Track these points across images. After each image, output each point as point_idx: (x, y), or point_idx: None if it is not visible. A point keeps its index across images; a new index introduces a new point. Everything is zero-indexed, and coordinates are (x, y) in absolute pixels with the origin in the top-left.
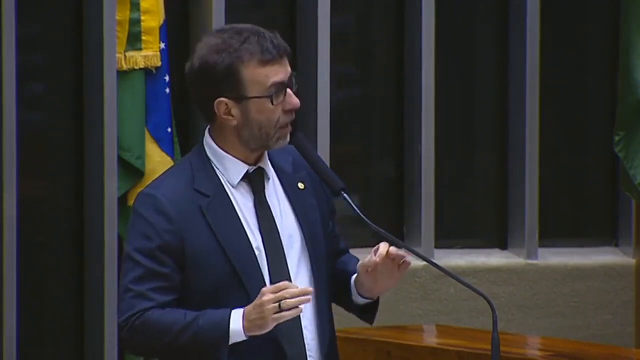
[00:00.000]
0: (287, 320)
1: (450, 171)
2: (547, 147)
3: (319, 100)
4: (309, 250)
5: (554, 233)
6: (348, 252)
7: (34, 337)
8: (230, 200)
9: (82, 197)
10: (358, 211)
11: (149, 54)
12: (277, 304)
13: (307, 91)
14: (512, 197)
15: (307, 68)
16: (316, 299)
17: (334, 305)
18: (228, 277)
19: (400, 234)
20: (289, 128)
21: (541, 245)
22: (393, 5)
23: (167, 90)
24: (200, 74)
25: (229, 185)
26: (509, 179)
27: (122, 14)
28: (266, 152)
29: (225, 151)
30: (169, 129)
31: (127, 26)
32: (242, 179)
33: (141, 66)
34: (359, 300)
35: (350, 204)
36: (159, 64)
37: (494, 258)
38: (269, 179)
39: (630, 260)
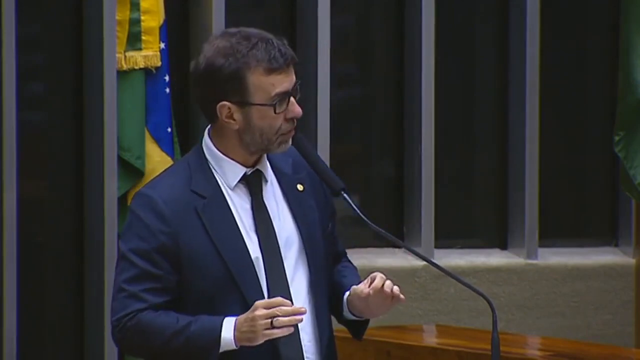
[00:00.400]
0: None
1: (450, 171)
2: (547, 147)
3: (319, 100)
4: (306, 252)
5: (554, 233)
6: (345, 255)
7: (34, 337)
8: (227, 203)
9: (82, 197)
10: (358, 211)
11: (149, 54)
12: (269, 320)
13: (307, 91)
14: (512, 197)
15: (307, 68)
16: (313, 300)
17: None
18: (224, 280)
19: (400, 234)
20: (291, 134)
21: (541, 245)
22: (393, 5)
23: (167, 90)
24: (205, 75)
25: (227, 187)
26: (509, 179)
27: (122, 14)
28: (265, 155)
29: (224, 153)
30: (169, 129)
31: (127, 26)
32: (239, 181)
33: (141, 66)
34: (350, 316)
35: (350, 204)
36: (159, 64)
37: (494, 258)
38: (267, 181)
39: (630, 260)
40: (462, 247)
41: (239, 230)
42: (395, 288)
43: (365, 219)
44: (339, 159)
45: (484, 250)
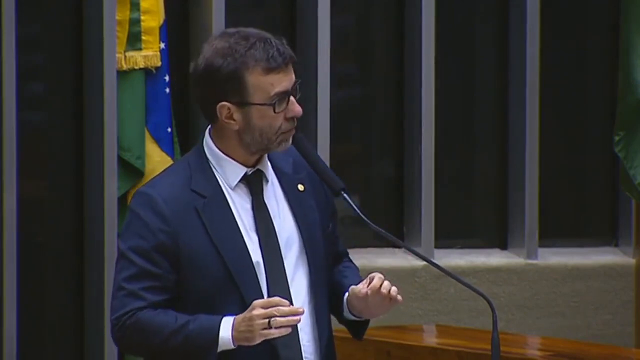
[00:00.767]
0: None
1: (450, 171)
2: (547, 147)
3: (319, 100)
4: (307, 252)
5: (554, 233)
6: (347, 255)
7: (34, 337)
8: (227, 202)
9: (82, 197)
10: (358, 211)
11: (149, 54)
12: (266, 321)
13: (307, 91)
14: (512, 197)
15: (307, 68)
16: (313, 300)
17: None
18: (223, 279)
19: (400, 234)
20: (291, 133)
21: (541, 245)
22: (393, 5)
23: (167, 90)
24: (204, 76)
25: (227, 187)
26: (509, 179)
27: (122, 14)
28: (266, 154)
29: (225, 153)
30: (169, 129)
31: (127, 26)
32: (240, 181)
33: (141, 66)
34: (350, 317)
35: (350, 204)
36: (159, 64)
37: (494, 258)
38: (267, 181)
39: (630, 260)
40: (462, 247)
41: (239, 230)
42: (393, 289)
43: (365, 219)
44: (339, 159)
45: (484, 250)
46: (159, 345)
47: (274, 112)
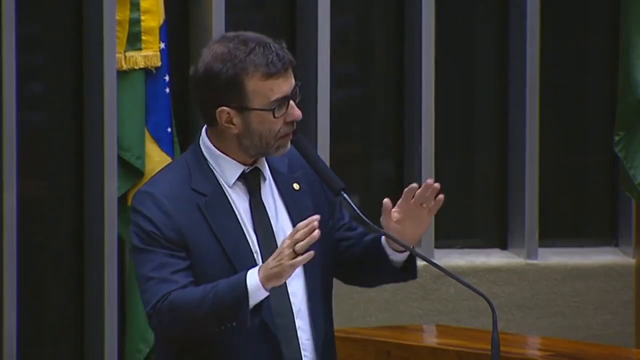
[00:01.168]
0: (282, 321)
1: (450, 171)
2: (547, 147)
3: (319, 100)
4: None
5: (554, 233)
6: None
7: (34, 337)
8: (228, 200)
9: (82, 197)
10: (358, 211)
11: (149, 54)
12: (291, 250)
13: (307, 91)
14: (512, 197)
15: (307, 68)
16: (310, 298)
17: (334, 304)
18: (226, 275)
19: None
20: (290, 137)
21: (541, 245)
22: (393, 5)
23: (167, 90)
24: (204, 80)
25: (225, 185)
26: (509, 179)
27: (122, 14)
28: None
29: (222, 152)
30: (169, 129)
31: (127, 26)
32: (238, 179)
33: (141, 66)
34: (397, 257)
35: (350, 204)
36: (159, 64)
37: (494, 258)
38: (265, 179)
39: (630, 260)
40: (462, 247)
41: (241, 227)
42: (430, 181)
43: (365, 219)
44: (339, 159)
45: (484, 250)
46: (193, 316)
47: (274, 117)
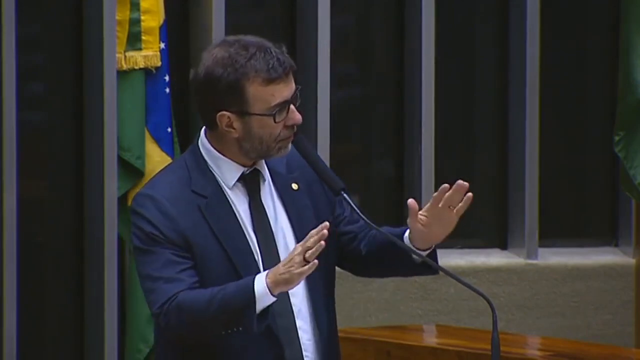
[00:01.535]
0: (283, 322)
1: (450, 171)
2: (547, 147)
3: (319, 100)
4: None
5: (554, 233)
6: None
7: (34, 337)
8: (228, 201)
9: (82, 197)
10: (358, 211)
11: (149, 54)
12: (302, 258)
13: (307, 91)
14: (512, 197)
15: (307, 68)
16: (311, 298)
17: (337, 303)
18: (228, 276)
19: None
20: (290, 140)
21: (541, 245)
22: (393, 5)
23: (167, 90)
24: (204, 84)
25: (225, 187)
26: (509, 179)
27: (122, 14)
28: None
29: (222, 153)
30: (169, 129)
31: (127, 26)
32: (237, 181)
33: (141, 66)
34: (419, 253)
35: (350, 204)
36: (159, 64)
37: (494, 258)
38: (264, 180)
39: (630, 260)
40: (462, 247)
41: (242, 228)
42: (460, 182)
43: (365, 219)
44: (339, 159)
45: (484, 250)
46: (201, 318)
47: (275, 122)
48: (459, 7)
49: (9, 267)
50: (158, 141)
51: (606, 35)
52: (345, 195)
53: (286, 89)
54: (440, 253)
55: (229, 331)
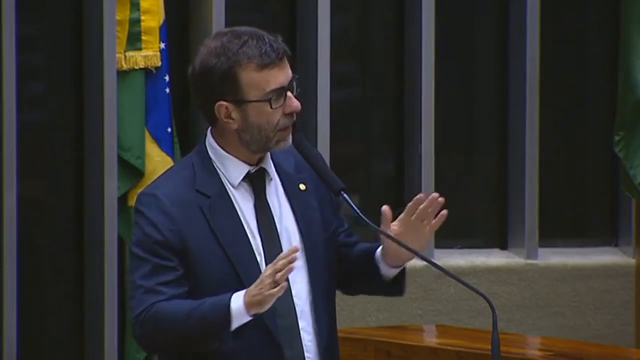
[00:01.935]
0: (285, 323)
1: (450, 171)
2: (547, 147)
3: (319, 100)
4: (307, 252)
5: (554, 233)
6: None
7: (34, 337)
8: (232, 201)
9: (82, 197)
10: (358, 211)
11: (149, 54)
12: (272, 280)
13: (307, 91)
14: (512, 197)
15: (307, 68)
16: (314, 299)
17: (337, 303)
18: (228, 278)
19: None
20: (289, 130)
21: (541, 245)
22: (393, 5)
23: (167, 90)
24: (200, 77)
25: (230, 186)
26: (509, 179)
27: (122, 14)
28: (269, 153)
29: (227, 152)
30: (169, 129)
31: (127, 26)
32: (243, 180)
33: (141, 66)
34: (389, 272)
35: (350, 204)
36: (159, 64)
37: (494, 258)
38: (271, 179)
39: (630, 260)
40: (462, 247)
41: (244, 229)
42: (435, 195)
43: (365, 219)
44: (339, 159)
45: (484, 250)
46: (177, 330)
47: (271, 108)
48: (458, 7)
49: (9, 267)
50: (158, 141)
51: (606, 35)
52: (345, 195)
53: (281, 75)
54: (440, 253)
55: (205, 346)
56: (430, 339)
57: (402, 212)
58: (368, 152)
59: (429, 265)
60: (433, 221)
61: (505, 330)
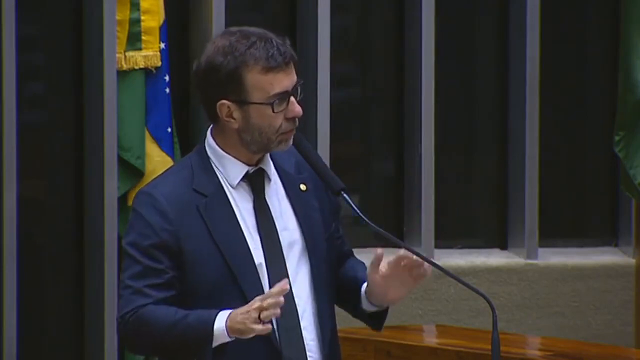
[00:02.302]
0: (287, 323)
1: (450, 171)
2: (547, 147)
3: (319, 100)
4: (308, 252)
5: (554, 233)
6: (352, 255)
7: (34, 337)
8: (229, 201)
9: (82, 197)
10: (358, 211)
11: (149, 54)
12: (257, 315)
13: (307, 91)
14: (512, 197)
15: (307, 68)
16: (316, 300)
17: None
18: (225, 279)
19: (400, 234)
20: (292, 134)
21: (541, 245)
22: (393, 5)
23: (167, 90)
24: (205, 74)
25: (229, 186)
26: (509, 179)
27: (122, 14)
28: (268, 154)
29: (226, 152)
30: (169, 129)
31: (127, 26)
32: (242, 180)
33: (141, 66)
34: (370, 308)
35: (350, 204)
36: (159, 64)
37: (494, 258)
38: (270, 180)
39: (630, 260)
40: (462, 247)
41: (241, 229)
42: (419, 259)
43: (365, 219)
44: (339, 159)
45: (484, 250)
46: (159, 338)
47: (273, 111)
48: (458, 7)
49: (9, 267)
50: (158, 141)
51: (606, 35)
52: (345, 195)
53: (286, 79)
54: (440, 253)
55: (184, 358)
56: (430, 339)
57: (402, 211)
58: (368, 152)
59: (429, 265)
60: (418, 274)
61: (505, 330)
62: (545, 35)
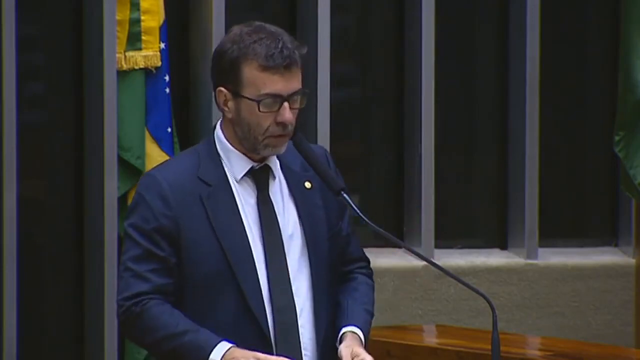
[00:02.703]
0: (284, 319)
1: (450, 171)
2: (547, 147)
3: (319, 100)
4: (309, 250)
5: (554, 233)
6: (363, 261)
7: (34, 337)
8: (233, 193)
9: (82, 197)
10: (358, 211)
11: (149, 54)
12: None
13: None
14: (512, 197)
15: (307, 68)
16: (314, 298)
17: None
18: (222, 269)
19: (400, 234)
20: (281, 139)
21: (541, 245)
22: (393, 5)
23: (167, 90)
24: (214, 57)
25: (233, 179)
26: (509, 179)
27: (122, 14)
28: None
29: (233, 145)
30: (169, 129)
31: (127, 26)
32: (246, 175)
33: (141, 66)
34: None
35: (350, 204)
36: (159, 64)
37: (494, 258)
38: (275, 177)
39: (630, 260)
40: (462, 247)
41: (242, 222)
42: None
43: (365, 219)
44: (339, 159)
45: (484, 250)
46: (154, 344)
47: (259, 110)
48: (458, 7)
49: (9, 267)
50: (158, 141)
51: (606, 35)
52: (345, 195)
53: (281, 82)
54: (440, 253)
55: None
56: (430, 339)
57: (402, 211)
58: (368, 152)
59: (429, 265)
60: None
61: (505, 330)
62: (545, 35)
